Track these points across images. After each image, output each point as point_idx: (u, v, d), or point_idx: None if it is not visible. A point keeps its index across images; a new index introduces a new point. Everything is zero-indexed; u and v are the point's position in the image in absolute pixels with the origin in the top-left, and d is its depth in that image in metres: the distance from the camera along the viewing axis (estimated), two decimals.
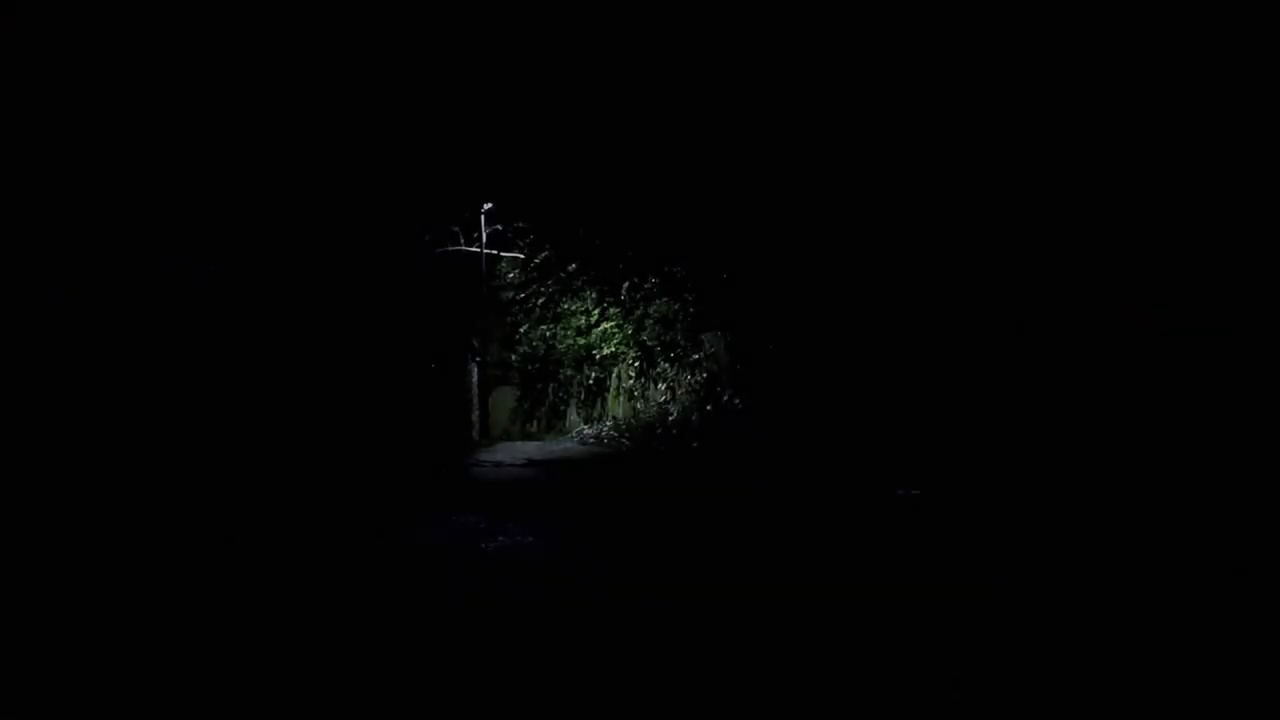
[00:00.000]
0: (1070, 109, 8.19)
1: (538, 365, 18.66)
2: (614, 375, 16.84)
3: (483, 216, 18.80)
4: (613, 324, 16.58)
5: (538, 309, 18.38)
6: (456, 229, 18.96)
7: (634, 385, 16.15)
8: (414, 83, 15.61)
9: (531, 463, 12.02)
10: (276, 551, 5.87)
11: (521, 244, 18.93)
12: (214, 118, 11.45)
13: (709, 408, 13.87)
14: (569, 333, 17.62)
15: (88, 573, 5.29)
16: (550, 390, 18.53)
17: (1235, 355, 6.74)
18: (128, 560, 5.65)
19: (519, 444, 15.91)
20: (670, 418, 14.50)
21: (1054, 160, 8.47)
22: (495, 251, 19.22)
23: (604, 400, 17.18)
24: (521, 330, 18.78)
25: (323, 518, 7.23)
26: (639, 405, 15.94)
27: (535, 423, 18.72)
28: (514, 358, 19.08)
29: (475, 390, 18.54)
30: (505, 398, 19.21)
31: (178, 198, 10.89)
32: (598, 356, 16.94)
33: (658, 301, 15.85)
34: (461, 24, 15.69)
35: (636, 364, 16.13)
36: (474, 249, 18.98)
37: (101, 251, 9.58)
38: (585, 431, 16.31)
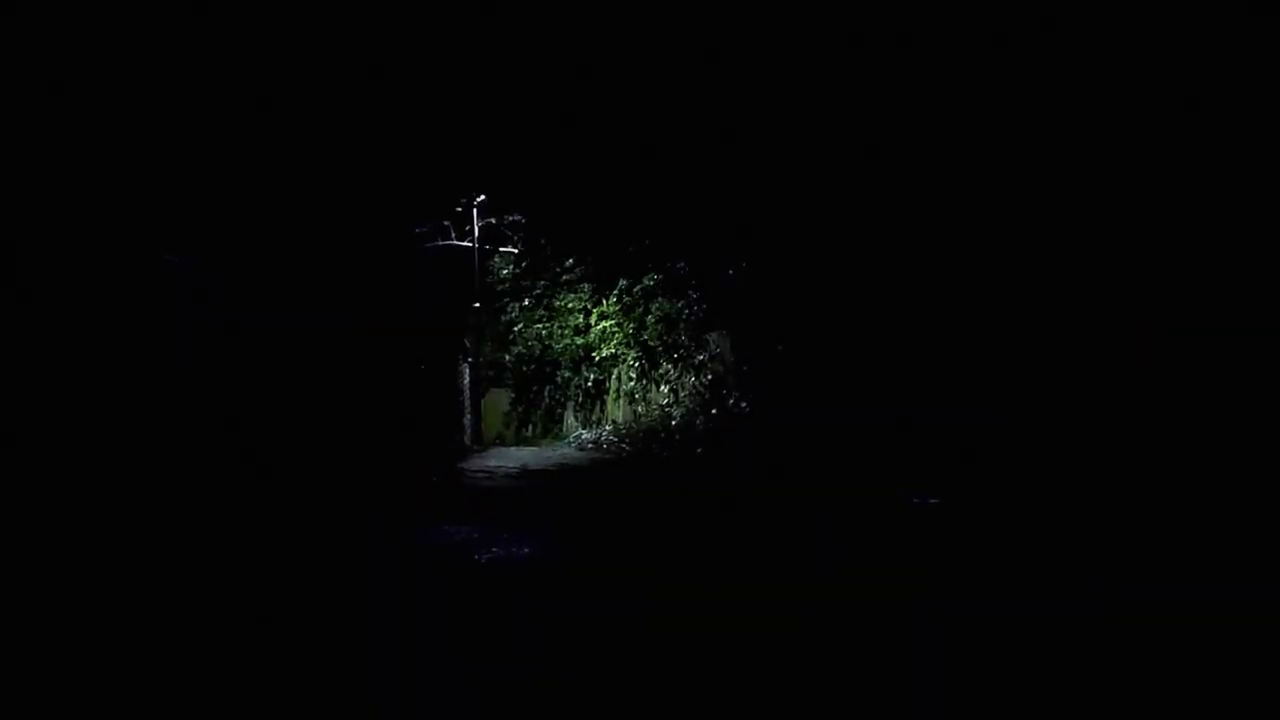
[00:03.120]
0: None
1: (533, 366, 17.88)
2: (614, 377, 16.15)
3: (475, 210, 18.00)
4: (612, 323, 15.89)
5: (533, 304, 17.64)
6: (448, 223, 18.18)
7: (634, 388, 15.50)
8: (406, 68, 15.00)
9: (527, 470, 11.45)
10: (263, 574, 5.48)
11: (516, 237, 18.19)
12: (205, 113, 11.05)
13: (714, 411, 13.30)
14: (566, 332, 16.88)
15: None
16: (546, 393, 17.76)
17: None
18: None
19: (513, 450, 15.25)
20: (673, 422, 13.91)
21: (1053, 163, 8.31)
22: (489, 246, 18.44)
23: (603, 403, 16.48)
24: (516, 329, 17.98)
25: (311, 531, 6.94)
26: (640, 409, 15.30)
27: (530, 427, 17.97)
28: (508, 358, 18.28)
29: (467, 393, 17.64)
30: (499, 400, 18.39)
31: (161, 192, 10.48)
32: (597, 358, 16.23)
33: (660, 300, 15.21)
34: (456, 14, 15.14)
35: (637, 365, 15.45)
36: (466, 243, 18.18)
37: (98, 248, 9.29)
38: (583, 436, 15.67)
